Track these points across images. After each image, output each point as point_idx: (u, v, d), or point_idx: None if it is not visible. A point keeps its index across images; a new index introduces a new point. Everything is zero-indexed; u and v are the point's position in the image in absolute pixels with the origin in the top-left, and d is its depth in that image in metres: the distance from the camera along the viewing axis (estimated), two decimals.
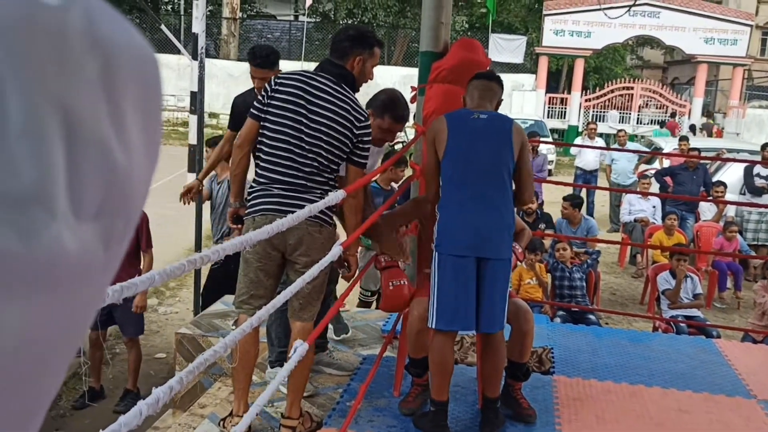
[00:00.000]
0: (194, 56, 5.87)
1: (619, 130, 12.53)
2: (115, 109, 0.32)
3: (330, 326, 4.37)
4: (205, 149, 5.73)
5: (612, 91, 23.95)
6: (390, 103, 3.71)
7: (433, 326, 3.13)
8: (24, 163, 0.28)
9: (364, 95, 3.41)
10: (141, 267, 4.87)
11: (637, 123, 23.25)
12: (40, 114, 0.29)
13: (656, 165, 11.13)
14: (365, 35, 3.36)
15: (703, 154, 9.86)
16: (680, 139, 11.42)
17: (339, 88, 3.20)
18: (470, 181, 3.12)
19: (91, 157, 0.31)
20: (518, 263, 3.66)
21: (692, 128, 20.02)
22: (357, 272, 3.44)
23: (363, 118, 3.22)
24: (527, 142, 3.26)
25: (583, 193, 10.60)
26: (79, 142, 0.30)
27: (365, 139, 3.23)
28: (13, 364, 0.29)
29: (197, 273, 5.92)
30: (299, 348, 2.47)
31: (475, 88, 3.35)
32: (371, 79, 3.38)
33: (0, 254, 0.27)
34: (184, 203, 4.92)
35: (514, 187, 3.23)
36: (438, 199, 3.24)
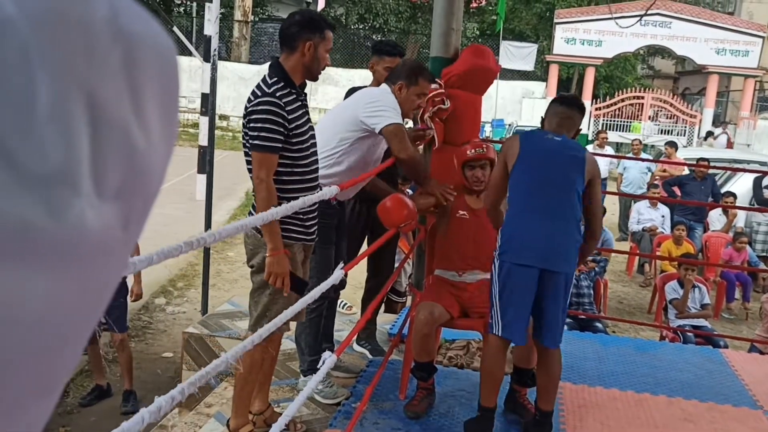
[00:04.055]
0: (206, 58, 5.91)
1: (634, 140, 12.50)
2: (136, 96, 0.33)
3: (364, 347, 4.38)
4: None
5: (622, 100, 23.89)
6: (418, 67, 3.71)
7: (499, 334, 3.16)
8: (52, 145, 0.30)
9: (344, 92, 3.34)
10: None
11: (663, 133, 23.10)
12: (67, 99, 0.30)
13: None
14: (314, 19, 3.19)
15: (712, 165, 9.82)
16: (666, 144, 11.36)
17: (260, 81, 3.14)
18: (540, 192, 3.13)
19: (113, 141, 0.32)
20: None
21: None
22: (272, 278, 3.10)
23: (253, 98, 3.06)
24: (598, 175, 3.24)
25: None
26: (102, 126, 0.32)
27: (253, 117, 3.03)
28: (38, 331, 0.31)
29: (206, 273, 5.95)
30: (328, 360, 2.48)
31: (555, 115, 3.28)
32: (327, 64, 3.22)
33: (29, 228, 0.29)
34: None
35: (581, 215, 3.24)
36: (495, 210, 3.32)
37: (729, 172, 10.67)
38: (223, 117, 21.46)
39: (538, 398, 3.30)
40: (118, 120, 0.32)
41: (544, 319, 3.15)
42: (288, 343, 4.19)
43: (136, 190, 0.35)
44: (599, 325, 6.15)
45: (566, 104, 3.32)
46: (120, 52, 0.32)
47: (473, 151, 3.67)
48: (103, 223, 0.32)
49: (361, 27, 26.95)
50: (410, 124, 4.10)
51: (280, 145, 3.03)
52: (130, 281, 5.13)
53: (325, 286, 2.34)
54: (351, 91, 4.17)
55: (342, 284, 4.03)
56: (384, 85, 3.70)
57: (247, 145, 3.08)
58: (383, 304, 5.59)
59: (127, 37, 0.33)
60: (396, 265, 4.53)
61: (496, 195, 3.31)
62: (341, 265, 2.59)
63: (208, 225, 5.87)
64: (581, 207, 3.18)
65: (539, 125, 3.45)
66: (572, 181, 3.14)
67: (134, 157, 0.34)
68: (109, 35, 0.32)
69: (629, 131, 22.58)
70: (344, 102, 3.82)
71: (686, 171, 10.37)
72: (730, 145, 20.37)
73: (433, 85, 3.82)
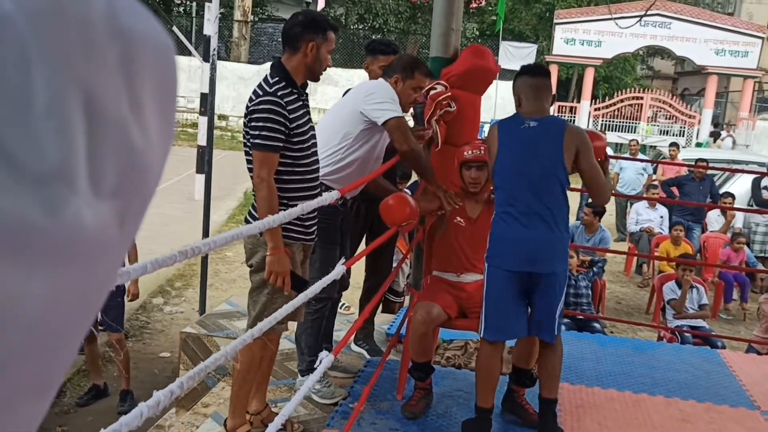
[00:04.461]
0: (206, 58, 5.91)
1: (631, 140, 12.50)
2: (134, 93, 0.33)
3: (362, 348, 4.38)
4: None
5: (621, 100, 23.90)
6: (414, 61, 3.74)
7: (482, 335, 3.22)
8: (48, 142, 0.30)
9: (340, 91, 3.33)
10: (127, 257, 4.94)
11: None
12: (64, 96, 0.30)
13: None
14: (317, 20, 3.20)
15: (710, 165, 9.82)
16: (670, 146, 11.37)
17: (261, 81, 3.15)
18: (519, 196, 3.12)
19: (110, 138, 0.32)
20: None
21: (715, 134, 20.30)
22: (273, 276, 3.08)
23: (254, 97, 3.08)
24: (586, 142, 3.16)
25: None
26: (99, 123, 0.32)
27: (254, 116, 3.03)
28: (34, 332, 0.31)
29: (203, 273, 5.94)
30: (325, 359, 2.48)
31: (530, 87, 3.24)
32: (329, 65, 3.23)
33: (26, 226, 0.29)
34: None
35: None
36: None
37: (727, 173, 10.68)
38: (222, 117, 21.44)
39: (541, 388, 3.34)
40: (116, 118, 0.32)
41: (537, 316, 3.18)
42: (285, 343, 4.18)
43: (133, 189, 0.35)
44: (597, 325, 6.15)
45: (537, 74, 3.31)
46: (118, 49, 0.32)
47: (470, 152, 3.68)
48: (99, 222, 0.32)
49: (360, 27, 26.95)
50: (410, 121, 4.10)
51: (281, 144, 3.03)
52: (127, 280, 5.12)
53: (325, 281, 2.34)
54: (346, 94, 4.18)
55: (345, 285, 4.04)
56: (381, 79, 3.71)
57: (248, 144, 3.08)
58: (380, 304, 5.59)
59: (126, 35, 0.33)
60: (394, 265, 4.53)
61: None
62: (342, 260, 2.60)
63: (206, 225, 5.87)
64: (566, 197, 3.17)
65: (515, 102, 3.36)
66: (554, 171, 3.10)
67: (132, 156, 0.34)
68: (108, 32, 0.32)
69: (644, 133, 22.54)
70: (343, 99, 3.83)
71: (685, 171, 10.39)
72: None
73: (440, 88, 3.82)
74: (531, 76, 3.28)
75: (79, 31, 0.31)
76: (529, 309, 3.20)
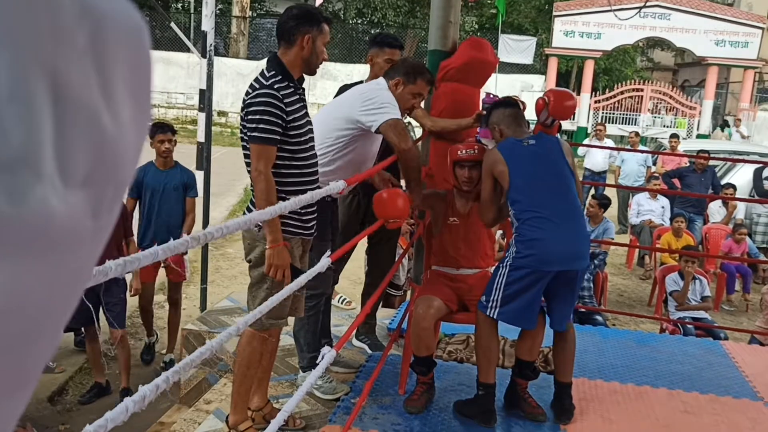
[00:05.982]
0: (203, 54, 5.88)
1: (631, 132, 12.49)
2: (104, 77, 0.32)
3: (363, 342, 4.36)
4: None
5: (622, 92, 23.83)
6: (419, 67, 3.71)
7: (494, 317, 3.29)
8: (11, 127, 0.28)
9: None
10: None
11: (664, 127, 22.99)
12: (29, 79, 0.29)
13: None
14: (311, 12, 3.18)
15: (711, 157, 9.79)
16: (670, 137, 11.35)
17: (258, 75, 3.14)
18: (548, 199, 3.25)
19: (79, 124, 0.31)
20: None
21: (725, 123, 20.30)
22: (273, 270, 3.08)
23: (251, 90, 3.08)
24: (571, 151, 3.47)
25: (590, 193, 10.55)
26: (67, 108, 0.30)
27: (251, 109, 3.02)
28: (1, 324, 0.29)
29: (204, 269, 5.93)
30: (327, 355, 2.47)
31: (510, 117, 3.47)
32: (325, 59, 3.21)
33: None
34: None
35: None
36: (494, 224, 3.58)
37: (729, 164, 10.65)
38: (222, 113, 21.41)
39: (556, 373, 3.46)
40: (85, 102, 0.31)
41: (557, 308, 3.33)
42: (287, 339, 4.17)
43: (107, 177, 0.33)
44: (599, 317, 6.14)
45: (512, 105, 3.55)
46: (86, 30, 0.31)
47: (464, 151, 3.66)
48: (69, 211, 0.31)
49: (359, 22, 26.88)
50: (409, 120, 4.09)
51: (278, 137, 3.02)
52: (129, 276, 5.11)
53: (309, 274, 2.33)
54: (342, 89, 4.15)
55: (334, 280, 4.02)
56: (381, 80, 3.68)
57: (246, 138, 3.07)
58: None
59: (95, 16, 0.31)
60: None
61: (492, 212, 3.44)
62: (328, 253, 2.57)
63: (206, 221, 5.86)
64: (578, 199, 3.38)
65: (498, 126, 3.51)
66: (566, 175, 3.32)
67: (103, 142, 0.32)
68: (76, 12, 0.30)
69: (675, 127, 22.44)
70: (340, 98, 3.80)
71: (686, 163, 10.37)
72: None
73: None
74: (506, 107, 3.51)
75: (45, 12, 0.29)
76: (547, 301, 3.35)
